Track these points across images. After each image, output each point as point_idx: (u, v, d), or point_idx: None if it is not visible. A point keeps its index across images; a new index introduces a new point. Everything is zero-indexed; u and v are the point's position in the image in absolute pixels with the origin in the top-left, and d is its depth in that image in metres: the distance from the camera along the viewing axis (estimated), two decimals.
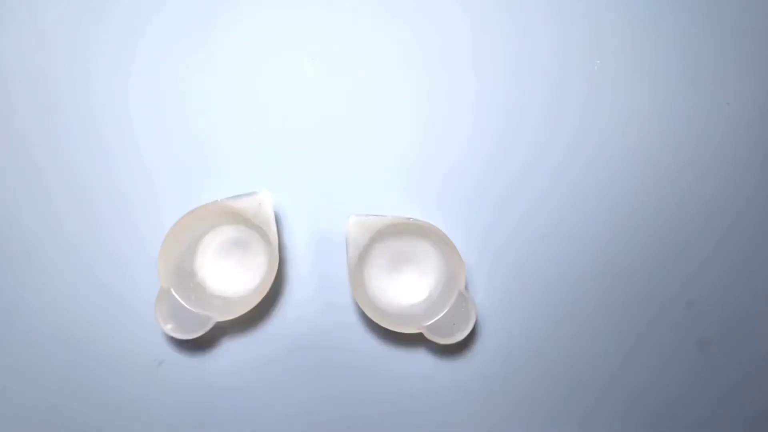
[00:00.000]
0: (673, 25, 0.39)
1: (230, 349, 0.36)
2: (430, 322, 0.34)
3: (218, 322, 0.33)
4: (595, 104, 0.38)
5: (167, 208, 0.35)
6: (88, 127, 0.36)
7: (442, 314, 0.34)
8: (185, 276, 0.34)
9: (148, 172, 0.36)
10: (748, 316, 0.38)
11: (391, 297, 0.35)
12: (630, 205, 0.38)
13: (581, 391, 0.37)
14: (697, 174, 0.38)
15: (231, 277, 0.35)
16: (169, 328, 0.33)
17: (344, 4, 0.38)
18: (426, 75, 0.38)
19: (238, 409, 0.36)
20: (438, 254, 0.36)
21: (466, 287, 0.34)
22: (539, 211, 0.37)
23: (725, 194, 0.38)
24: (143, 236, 0.36)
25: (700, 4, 0.39)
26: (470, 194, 0.37)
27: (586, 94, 0.38)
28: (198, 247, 0.35)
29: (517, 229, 0.37)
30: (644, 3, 0.39)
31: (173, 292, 0.33)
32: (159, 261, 0.33)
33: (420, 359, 0.37)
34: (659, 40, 0.39)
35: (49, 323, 0.35)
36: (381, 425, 0.36)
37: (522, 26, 0.38)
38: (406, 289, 0.36)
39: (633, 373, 0.37)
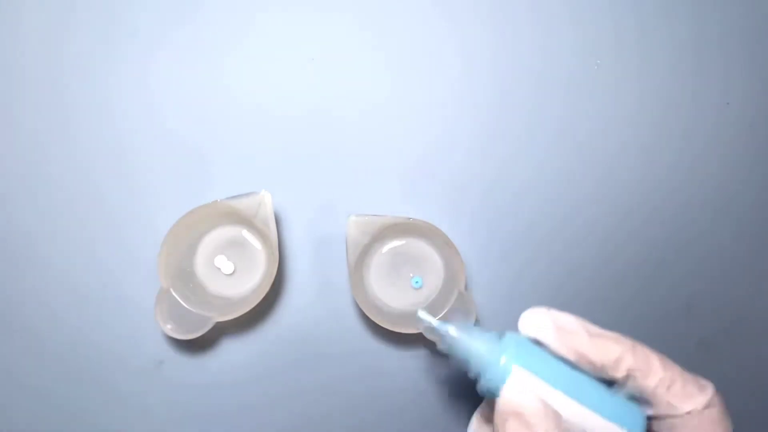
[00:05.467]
0: (673, 26, 0.39)
1: (230, 348, 0.36)
2: None
3: (218, 322, 0.33)
4: (596, 105, 0.38)
5: (168, 208, 0.35)
6: (91, 128, 0.36)
7: (442, 314, 0.34)
8: (185, 276, 0.34)
9: (149, 172, 0.36)
10: (748, 316, 0.38)
11: (390, 297, 0.35)
12: (630, 206, 0.38)
13: None
14: (697, 174, 0.38)
15: (231, 277, 0.35)
16: (169, 328, 0.33)
17: (345, 6, 0.38)
18: (427, 76, 0.38)
19: (238, 408, 0.36)
20: (438, 254, 0.36)
21: (466, 287, 0.34)
22: (540, 212, 0.37)
23: (725, 194, 0.38)
24: (143, 236, 0.35)
25: (700, 6, 0.39)
26: (470, 194, 0.37)
27: (586, 95, 0.38)
28: (198, 247, 0.35)
29: (518, 229, 0.37)
30: (644, 4, 0.39)
31: (173, 292, 0.33)
32: (159, 261, 0.33)
33: (420, 359, 0.37)
34: (659, 41, 0.39)
35: (50, 323, 0.35)
36: (381, 424, 0.36)
37: (524, 28, 0.38)
38: (406, 289, 0.36)
39: None
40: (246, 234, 0.35)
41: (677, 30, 0.39)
